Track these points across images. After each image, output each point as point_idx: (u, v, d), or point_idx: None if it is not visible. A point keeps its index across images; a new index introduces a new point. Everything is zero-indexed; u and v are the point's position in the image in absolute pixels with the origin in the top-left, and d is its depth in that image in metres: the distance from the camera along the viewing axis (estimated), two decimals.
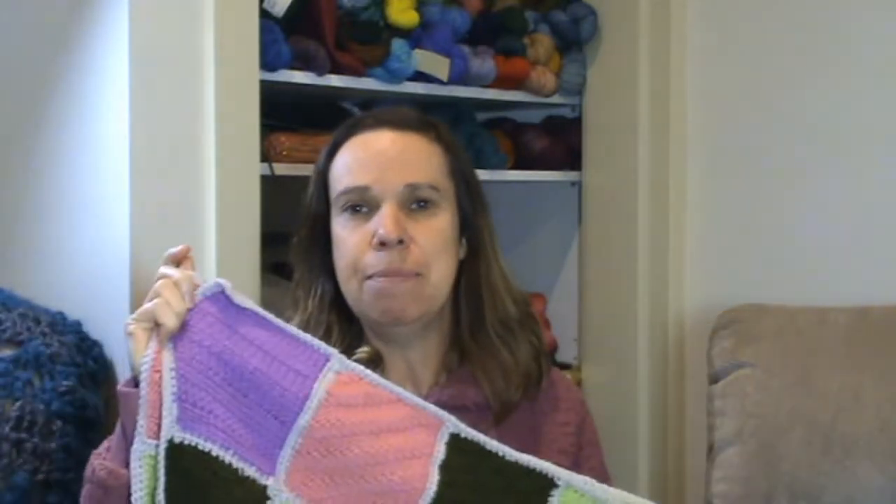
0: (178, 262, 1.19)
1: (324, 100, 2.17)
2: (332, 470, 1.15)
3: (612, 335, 2.43)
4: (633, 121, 2.36)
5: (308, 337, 1.18)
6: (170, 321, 1.13)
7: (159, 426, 1.12)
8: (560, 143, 2.47)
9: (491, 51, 2.27)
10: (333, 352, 1.18)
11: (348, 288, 1.33)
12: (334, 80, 2.00)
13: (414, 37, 2.11)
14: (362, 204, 1.32)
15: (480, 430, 1.20)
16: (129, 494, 1.12)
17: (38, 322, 1.59)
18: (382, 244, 1.29)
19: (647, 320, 2.37)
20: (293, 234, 1.41)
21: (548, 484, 1.17)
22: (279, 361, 1.15)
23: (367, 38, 2.02)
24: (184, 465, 1.11)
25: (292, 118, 2.04)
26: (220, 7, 1.66)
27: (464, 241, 1.39)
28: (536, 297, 2.50)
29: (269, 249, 1.75)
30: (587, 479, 1.19)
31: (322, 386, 1.15)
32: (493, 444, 1.18)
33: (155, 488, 1.10)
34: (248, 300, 1.18)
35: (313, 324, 1.34)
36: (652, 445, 2.38)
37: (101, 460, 1.17)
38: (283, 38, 1.89)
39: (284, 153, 1.93)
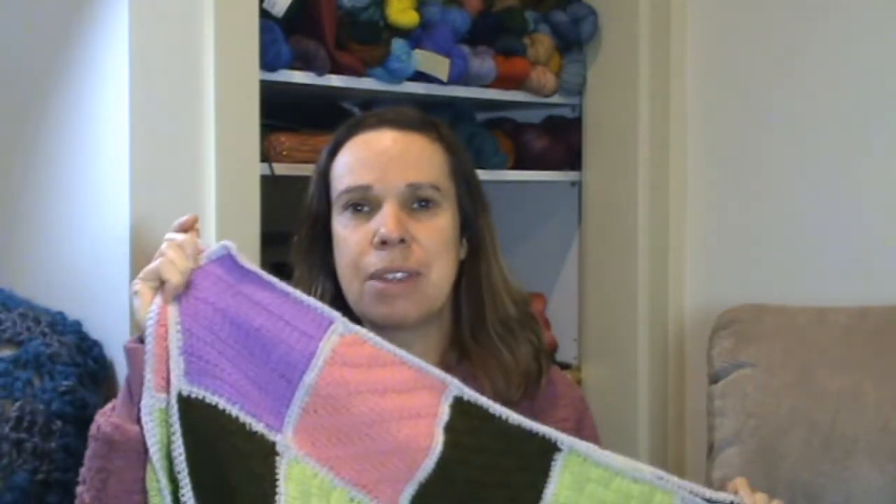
0: (185, 230, 1.20)
1: (324, 100, 2.17)
2: (339, 429, 1.15)
3: (612, 335, 2.43)
4: (633, 121, 2.36)
5: (312, 300, 1.18)
6: (174, 278, 1.14)
7: (167, 381, 1.11)
8: (560, 143, 2.47)
9: (491, 51, 2.27)
10: (337, 315, 1.18)
11: (350, 289, 1.33)
12: (334, 80, 2.00)
13: (414, 37, 2.11)
14: (364, 203, 1.32)
15: None
16: (135, 451, 1.12)
17: (38, 322, 1.59)
18: (384, 243, 1.29)
19: (647, 320, 2.37)
20: (293, 234, 1.41)
21: (550, 448, 1.19)
22: (284, 321, 1.16)
23: (367, 38, 2.02)
24: (192, 418, 1.10)
25: (292, 118, 2.04)
26: (220, 7, 1.66)
27: (464, 240, 1.39)
28: (536, 297, 2.50)
29: (269, 249, 1.74)
30: (590, 444, 1.20)
31: (327, 345, 1.16)
32: (496, 408, 1.20)
33: (168, 443, 1.10)
34: (254, 264, 1.18)
35: None
36: (652, 445, 2.38)
37: (106, 417, 1.16)
38: (283, 38, 1.89)
39: (284, 153, 1.93)
